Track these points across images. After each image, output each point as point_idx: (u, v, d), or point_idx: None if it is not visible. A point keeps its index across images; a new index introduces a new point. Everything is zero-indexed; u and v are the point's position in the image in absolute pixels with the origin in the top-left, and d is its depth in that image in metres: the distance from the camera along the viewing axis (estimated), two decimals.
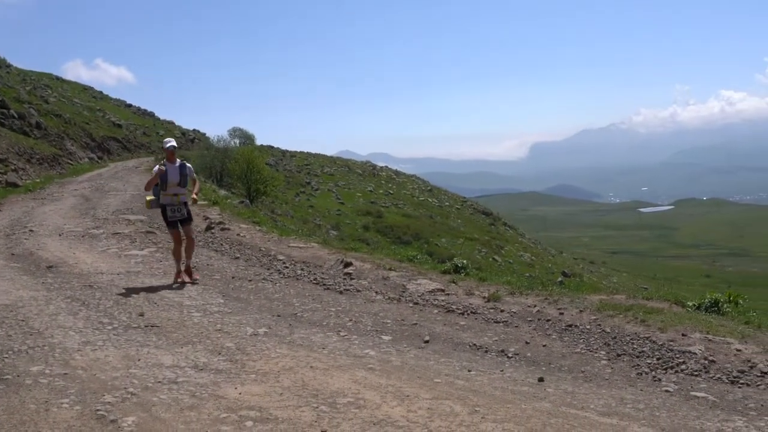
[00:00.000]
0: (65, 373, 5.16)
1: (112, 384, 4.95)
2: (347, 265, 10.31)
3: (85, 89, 49.82)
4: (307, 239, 13.38)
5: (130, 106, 51.15)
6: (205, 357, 5.77)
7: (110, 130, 36.36)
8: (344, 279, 9.68)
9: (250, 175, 25.67)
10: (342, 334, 6.93)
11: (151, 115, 51.27)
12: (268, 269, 10.34)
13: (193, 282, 9.21)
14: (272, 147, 53.40)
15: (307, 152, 60.33)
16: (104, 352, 5.78)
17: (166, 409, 4.49)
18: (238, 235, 13.26)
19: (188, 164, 9.62)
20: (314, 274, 10.02)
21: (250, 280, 9.51)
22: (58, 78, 48.94)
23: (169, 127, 47.67)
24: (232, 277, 9.69)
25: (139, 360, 5.59)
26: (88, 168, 27.54)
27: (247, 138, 40.19)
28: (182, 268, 9.34)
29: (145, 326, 6.74)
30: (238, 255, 11.39)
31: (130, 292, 8.37)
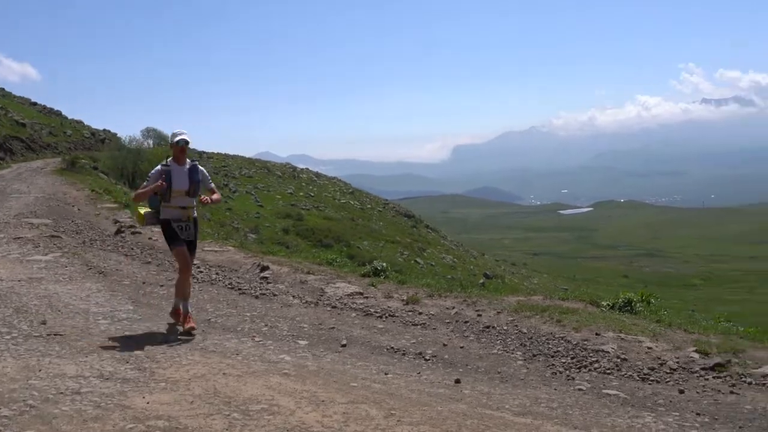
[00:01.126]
0: None
1: (10, 396, 4.66)
2: (264, 269, 10.16)
3: None
4: (223, 243, 13.11)
5: (35, 104, 48.66)
6: (111, 366, 5.52)
7: (13, 130, 34.48)
8: (260, 283, 9.53)
9: None
10: (257, 339, 6.80)
11: (58, 114, 48.96)
12: None
13: (184, 326, 6.89)
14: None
15: (225, 153, 59.11)
16: (1, 363, 5.43)
17: (68, 422, 4.26)
18: (149, 238, 12.82)
19: (201, 167, 7.19)
20: (229, 278, 9.82)
21: (162, 286, 9.21)
22: None
23: (78, 127, 45.71)
24: (143, 283, 9.36)
25: (39, 370, 5.29)
26: None
27: (161, 139, 39.00)
28: (180, 306, 7.06)
29: (48, 335, 6.39)
30: (150, 259, 11.02)
31: (32, 299, 7.91)
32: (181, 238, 6.93)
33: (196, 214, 7.17)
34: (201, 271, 10.16)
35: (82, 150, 35.74)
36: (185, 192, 6.93)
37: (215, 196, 7.24)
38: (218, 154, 57.23)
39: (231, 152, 60.74)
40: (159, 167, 6.94)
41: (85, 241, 12.47)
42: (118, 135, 40.31)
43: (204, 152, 53.92)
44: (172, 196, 6.88)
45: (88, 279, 9.39)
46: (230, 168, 50.75)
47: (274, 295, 8.91)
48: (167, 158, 7.07)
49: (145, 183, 7.01)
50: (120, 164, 28.50)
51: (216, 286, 9.35)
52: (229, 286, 9.34)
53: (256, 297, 8.81)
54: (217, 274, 10.05)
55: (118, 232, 13.26)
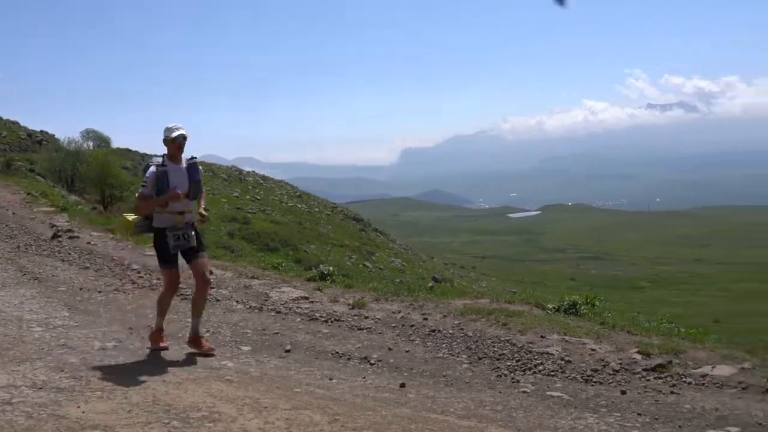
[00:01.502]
0: None
1: None
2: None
3: None
4: None
5: None
6: (45, 375, 5.33)
7: None
8: None
9: (104, 179, 24.16)
10: None
11: None
12: (121, 279, 9.78)
13: (208, 354, 6.23)
14: (130, 150, 50.77)
15: None
16: None
17: None
18: (88, 243, 12.44)
19: (199, 165, 6.42)
20: None
21: (100, 291, 8.95)
22: None
23: (13, 128, 44.05)
24: (80, 289, 9.06)
25: None
26: None
27: (102, 140, 37.97)
28: (164, 326, 6.46)
29: None
30: (88, 264, 10.68)
31: None
32: (175, 258, 6.19)
33: (195, 220, 6.32)
34: (141, 276, 9.92)
35: (18, 152, 34.42)
36: (184, 194, 6.11)
37: (204, 201, 6.52)
38: (162, 156, 55.95)
39: None
40: (153, 168, 6.05)
41: (19, 245, 12.02)
42: (56, 137, 39.05)
43: (146, 154, 52.74)
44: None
45: (22, 285, 9.05)
46: None
47: (217, 300, 8.75)
48: (163, 156, 6.21)
49: (141, 188, 6.10)
50: (58, 166, 27.61)
51: (157, 292, 9.05)
52: None
53: None
54: (158, 279, 9.77)
55: (55, 236, 12.82)
